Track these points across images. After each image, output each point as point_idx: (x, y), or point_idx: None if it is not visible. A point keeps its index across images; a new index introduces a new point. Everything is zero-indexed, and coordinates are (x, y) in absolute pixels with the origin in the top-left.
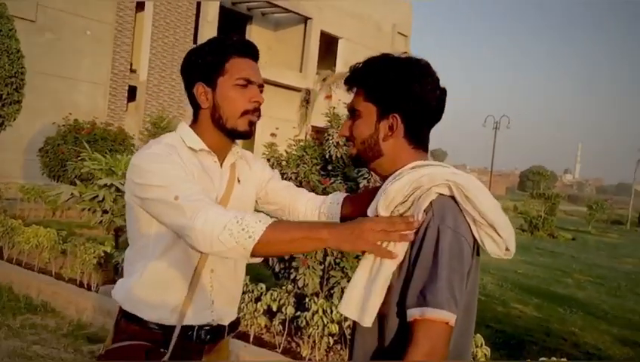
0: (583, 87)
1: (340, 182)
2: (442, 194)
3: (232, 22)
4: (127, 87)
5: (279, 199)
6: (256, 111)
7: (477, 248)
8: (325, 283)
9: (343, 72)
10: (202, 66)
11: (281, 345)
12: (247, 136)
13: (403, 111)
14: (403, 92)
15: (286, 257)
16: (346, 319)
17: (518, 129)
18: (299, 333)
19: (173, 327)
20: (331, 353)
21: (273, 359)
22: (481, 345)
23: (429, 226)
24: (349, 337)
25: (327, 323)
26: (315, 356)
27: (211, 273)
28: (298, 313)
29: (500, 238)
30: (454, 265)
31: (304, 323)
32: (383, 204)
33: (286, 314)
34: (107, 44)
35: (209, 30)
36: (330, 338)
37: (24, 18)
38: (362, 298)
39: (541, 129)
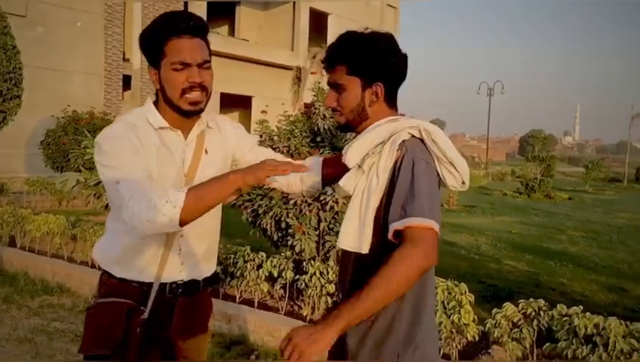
0: (579, 49)
1: (329, 152)
2: (413, 136)
3: (221, 4)
4: (121, 76)
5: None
6: (195, 89)
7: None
8: (321, 247)
9: None
10: (146, 51)
11: (284, 308)
12: (192, 113)
13: (384, 80)
14: (384, 64)
15: (282, 226)
16: None
17: (516, 94)
18: (300, 296)
19: (148, 283)
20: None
21: (277, 320)
22: (465, 292)
23: (404, 159)
24: None
25: (325, 283)
26: (315, 316)
27: (180, 237)
28: (297, 276)
29: (457, 173)
30: (432, 188)
31: (303, 285)
32: (357, 144)
33: (286, 278)
34: (98, 35)
35: (198, 14)
36: (329, 297)
37: (14, 14)
38: (358, 230)
39: (539, 93)
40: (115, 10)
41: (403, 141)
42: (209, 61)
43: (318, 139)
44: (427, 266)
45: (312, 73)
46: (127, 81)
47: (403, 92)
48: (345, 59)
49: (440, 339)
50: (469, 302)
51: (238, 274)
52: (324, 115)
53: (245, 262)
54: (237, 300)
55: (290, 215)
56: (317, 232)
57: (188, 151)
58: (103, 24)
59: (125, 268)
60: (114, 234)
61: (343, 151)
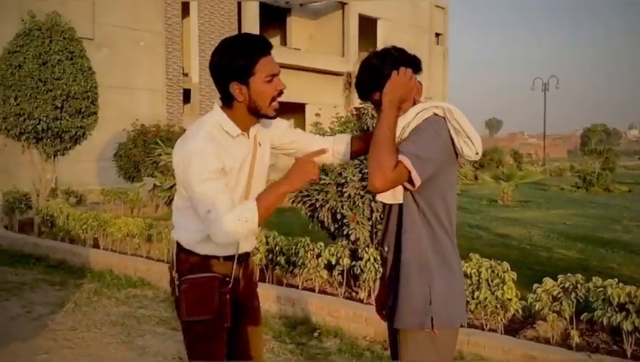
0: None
1: None
2: (437, 115)
3: (273, 15)
4: (181, 91)
5: (294, 145)
6: (280, 95)
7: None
8: (375, 235)
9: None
10: (235, 69)
11: (342, 294)
12: (274, 117)
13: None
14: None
15: (338, 217)
16: None
17: (576, 89)
18: (356, 282)
19: (227, 256)
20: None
21: (336, 302)
22: (507, 270)
23: (423, 124)
24: None
25: (379, 268)
26: (371, 299)
27: None
28: (354, 263)
29: (472, 145)
30: (430, 143)
31: (359, 271)
32: (400, 119)
33: (343, 265)
34: (160, 52)
35: (251, 27)
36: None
37: (83, 37)
38: (391, 191)
39: (601, 87)
40: (174, 28)
41: (427, 118)
42: (280, 70)
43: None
44: (385, 183)
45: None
46: (186, 95)
47: (458, 96)
48: (370, 89)
49: (487, 314)
50: (512, 279)
51: (299, 263)
52: (373, 115)
53: (305, 251)
54: (299, 288)
55: (345, 207)
56: (370, 222)
57: (251, 146)
58: (163, 42)
59: (206, 247)
60: (192, 220)
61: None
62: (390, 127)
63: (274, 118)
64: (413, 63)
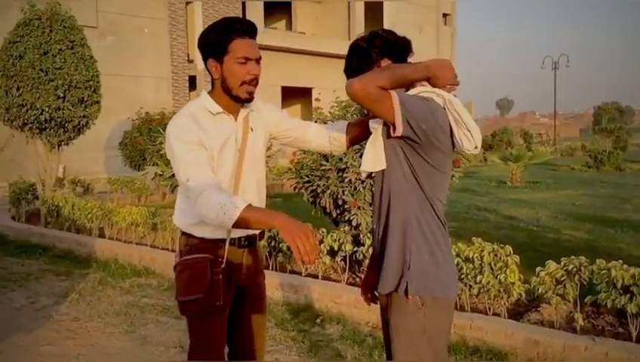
0: None
1: None
2: (436, 101)
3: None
4: (187, 78)
5: (290, 133)
6: (253, 81)
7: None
8: None
9: None
10: (212, 46)
11: (346, 279)
12: (248, 101)
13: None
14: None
15: (339, 203)
16: None
17: (589, 67)
18: (359, 268)
19: (221, 239)
20: None
21: (338, 288)
22: (510, 253)
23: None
24: None
25: None
26: None
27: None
28: (356, 249)
29: (472, 138)
30: (426, 104)
31: (362, 256)
32: None
33: (346, 251)
34: (164, 39)
35: (256, 11)
36: None
37: (87, 25)
38: (373, 156)
39: (615, 64)
40: (178, 14)
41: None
42: (261, 58)
43: None
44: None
45: None
46: (192, 82)
47: (466, 76)
48: (359, 72)
49: (490, 298)
50: (515, 262)
51: None
52: None
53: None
54: (302, 274)
55: (346, 192)
56: (372, 207)
57: (239, 130)
58: (167, 29)
59: (202, 229)
60: (188, 204)
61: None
62: (405, 75)
63: (247, 101)
64: (403, 45)
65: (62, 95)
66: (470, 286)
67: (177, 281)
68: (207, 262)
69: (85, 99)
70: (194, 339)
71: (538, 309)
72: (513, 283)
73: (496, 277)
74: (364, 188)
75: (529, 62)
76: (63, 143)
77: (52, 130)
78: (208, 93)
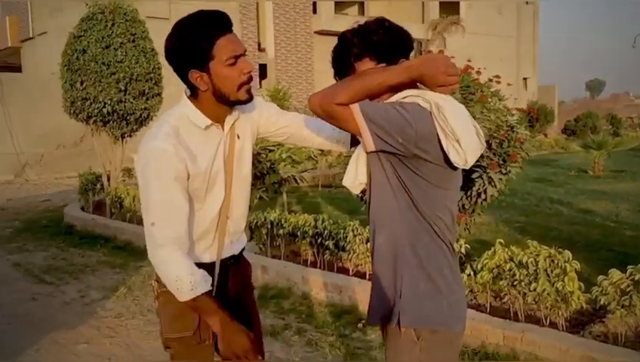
0: None
1: None
2: (421, 106)
3: None
4: (257, 66)
5: (285, 130)
6: (250, 79)
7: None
8: None
9: (453, 17)
10: (189, 57)
11: None
12: (249, 101)
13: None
14: (373, 43)
15: None
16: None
17: None
18: None
19: (209, 263)
20: None
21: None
22: (569, 259)
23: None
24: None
25: None
26: None
27: (229, 221)
28: None
29: (462, 150)
30: (402, 113)
31: None
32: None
33: None
34: (235, 28)
35: None
36: None
37: (159, 17)
38: (354, 169)
39: None
40: (248, 2)
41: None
42: (245, 50)
43: None
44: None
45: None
46: (262, 70)
47: (550, 57)
48: (360, 54)
49: (547, 308)
50: (575, 269)
51: (348, 247)
52: None
53: (355, 236)
54: (350, 273)
55: None
56: None
57: (227, 141)
58: (238, 18)
59: (189, 253)
60: None
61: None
62: (380, 83)
63: (248, 102)
64: (390, 43)
65: (123, 88)
66: (524, 293)
67: (161, 315)
68: None
69: (146, 91)
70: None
71: (603, 320)
72: (572, 293)
73: (553, 285)
74: None
75: (620, 40)
76: (126, 135)
77: (115, 123)
78: (191, 100)
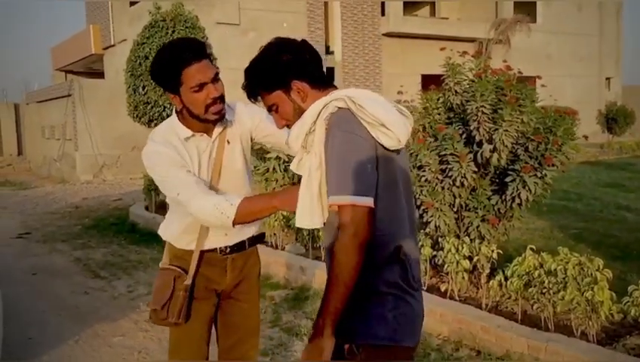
0: None
1: (459, 127)
2: (341, 108)
3: None
4: (325, 69)
5: (269, 139)
6: (216, 102)
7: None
8: (462, 224)
9: (518, 15)
10: (163, 82)
11: (425, 284)
12: (218, 120)
13: (295, 76)
14: (282, 66)
15: (418, 203)
16: (476, 253)
17: None
18: (438, 274)
19: (201, 251)
20: (466, 286)
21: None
22: (599, 267)
23: (327, 133)
24: (480, 271)
25: (460, 259)
26: (452, 290)
27: None
28: (435, 253)
29: (391, 133)
30: (348, 158)
31: (441, 261)
32: (296, 127)
33: (425, 255)
34: (303, 32)
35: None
36: (465, 273)
37: (230, 23)
38: (308, 208)
39: None
40: (316, 7)
41: (331, 114)
42: (218, 73)
43: (451, 114)
44: (360, 243)
45: (441, 49)
46: (330, 73)
47: (637, 56)
48: (256, 87)
49: (578, 318)
50: (606, 278)
51: None
52: (456, 91)
53: None
54: None
55: (424, 192)
56: (454, 208)
57: (214, 147)
58: (306, 22)
59: (177, 241)
60: (172, 217)
61: (286, 140)
62: (349, 275)
63: (216, 121)
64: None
65: None
66: (554, 302)
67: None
68: (173, 277)
69: None
70: (170, 343)
71: (638, 333)
72: (602, 302)
73: (583, 294)
74: (442, 188)
75: None
76: None
77: None
78: (177, 115)
